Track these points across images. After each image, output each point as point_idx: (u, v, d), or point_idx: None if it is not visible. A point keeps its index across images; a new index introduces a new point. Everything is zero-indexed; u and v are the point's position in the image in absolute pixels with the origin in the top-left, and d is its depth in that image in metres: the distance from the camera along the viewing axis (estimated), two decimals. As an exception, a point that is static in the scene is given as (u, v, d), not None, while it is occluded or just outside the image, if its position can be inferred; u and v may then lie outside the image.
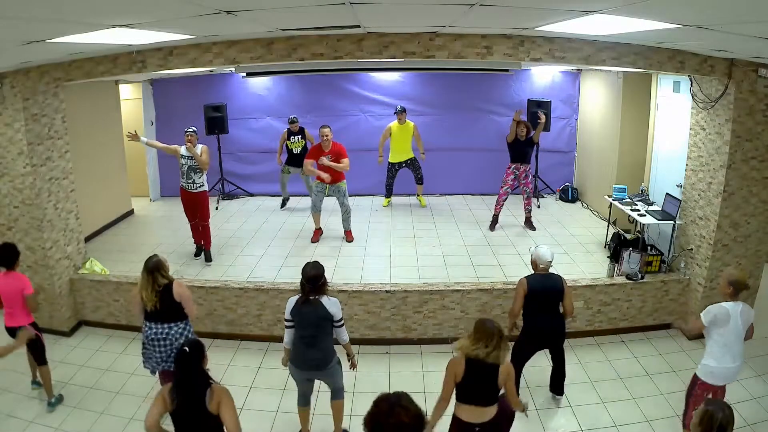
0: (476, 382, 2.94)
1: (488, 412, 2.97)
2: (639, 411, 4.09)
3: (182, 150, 6.07)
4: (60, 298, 5.20)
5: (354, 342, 4.95)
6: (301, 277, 3.48)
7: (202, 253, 6.40)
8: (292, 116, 7.96)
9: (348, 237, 6.94)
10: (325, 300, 3.46)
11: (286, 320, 3.52)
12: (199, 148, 6.00)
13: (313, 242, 6.87)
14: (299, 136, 7.98)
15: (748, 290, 3.63)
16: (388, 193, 8.46)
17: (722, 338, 3.43)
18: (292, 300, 3.51)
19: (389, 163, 8.15)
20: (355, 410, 4.04)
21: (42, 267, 5.10)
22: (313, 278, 3.43)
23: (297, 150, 8.00)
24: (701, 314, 3.48)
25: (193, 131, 5.97)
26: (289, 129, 7.98)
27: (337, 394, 3.72)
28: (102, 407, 4.17)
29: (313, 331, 3.46)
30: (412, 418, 1.95)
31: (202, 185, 6.13)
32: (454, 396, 3.04)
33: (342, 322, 3.54)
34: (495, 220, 7.25)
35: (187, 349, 2.70)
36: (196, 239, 6.49)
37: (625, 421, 3.98)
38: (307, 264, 3.52)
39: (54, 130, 5.10)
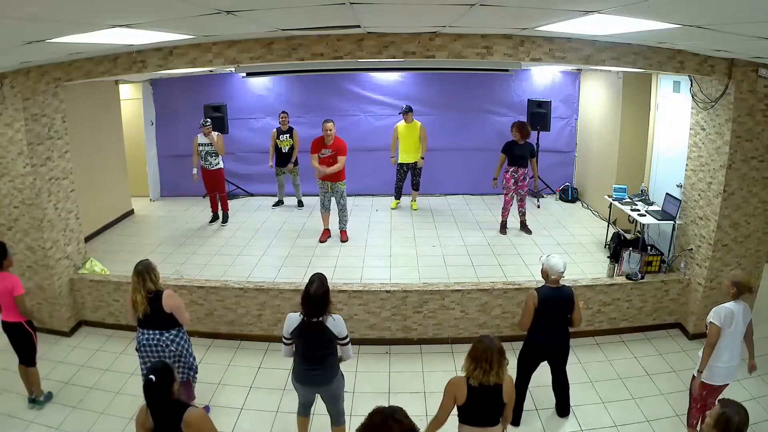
0: (480, 404, 2.84)
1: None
2: (639, 411, 4.09)
3: (199, 138, 7.44)
4: (60, 298, 5.20)
5: (354, 342, 4.93)
6: (304, 293, 3.24)
7: (218, 219, 7.82)
8: (283, 111, 8.06)
9: (342, 237, 6.94)
10: (330, 322, 3.25)
11: (285, 338, 3.34)
12: (215, 135, 7.42)
13: (321, 242, 6.88)
14: (287, 135, 8.04)
15: (751, 293, 3.62)
16: (397, 195, 8.42)
17: (723, 338, 3.43)
18: (293, 320, 3.29)
19: (398, 164, 8.11)
20: (356, 410, 4.04)
21: (42, 267, 5.10)
22: (321, 297, 3.19)
23: (285, 149, 8.08)
24: (711, 319, 3.44)
25: (210, 123, 7.42)
26: (278, 128, 8.04)
27: (337, 419, 3.58)
28: (102, 407, 4.17)
29: (317, 352, 3.31)
30: (405, 431, 1.96)
31: (218, 164, 7.58)
32: (454, 414, 2.94)
33: (348, 339, 3.35)
34: (504, 225, 7.22)
35: (153, 378, 2.54)
36: (213, 208, 7.87)
37: (625, 421, 3.98)
38: (312, 281, 3.27)
39: (54, 130, 5.10)
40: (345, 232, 6.98)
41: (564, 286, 3.83)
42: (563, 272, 3.76)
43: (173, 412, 2.59)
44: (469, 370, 2.81)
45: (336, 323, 3.28)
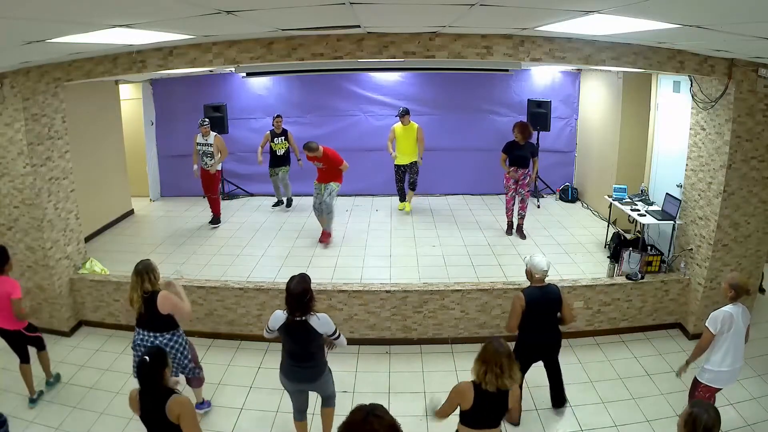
0: (485, 409, 2.84)
1: None
2: (639, 411, 4.09)
3: (198, 138, 7.45)
4: (60, 298, 5.20)
5: (354, 342, 4.98)
6: (285, 292, 3.26)
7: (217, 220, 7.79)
8: (278, 114, 8.07)
9: (323, 237, 6.83)
10: (314, 321, 3.25)
11: (268, 329, 3.41)
12: (212, 136, 7.38)
13: (320, 242, 6.87)
14: (282, 138, 8.04)
15: (749, 295, 3.62)
16: (402, 197, 8.37)
17: (725, 342, 3.43)
18: (278, 317, 3.32)
19: (395, 165, 8.06)
20: (355, 410, 4.04)
21: (42, 267, 5.10)
22: (300, 294, 3.20)
23: (280, 152, 8.08)
24: (707, 324, 3.45)
25: (207, 123, 7.43)
26: (272, 130, 8.04)
27: (327, 401, 3.64)
28: (102, 407, 4.17)
29: (303, 349, 3.34)
30: (386, 428, 1.97)
31: (214, 166, 7.50)
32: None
33: (337, 333, 3.38)
34: (510, 225, 7.19)
35: (147, 358, 2.68)
36: (212, 209, 7.81)
37: (625, 421, 3.98)
38: (293, 278, 3.29)
39: (54, 130, 5.10)
40: (328, 233, 6.83)
41: (550, 284, 3.83)
42: (547, 270, 3.77)
43: (159, 397, 2.69)
44: (480, 375, 2.79)
45: (321, 322, 3.29)
